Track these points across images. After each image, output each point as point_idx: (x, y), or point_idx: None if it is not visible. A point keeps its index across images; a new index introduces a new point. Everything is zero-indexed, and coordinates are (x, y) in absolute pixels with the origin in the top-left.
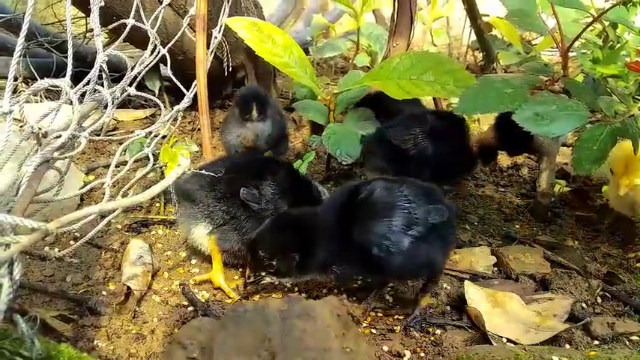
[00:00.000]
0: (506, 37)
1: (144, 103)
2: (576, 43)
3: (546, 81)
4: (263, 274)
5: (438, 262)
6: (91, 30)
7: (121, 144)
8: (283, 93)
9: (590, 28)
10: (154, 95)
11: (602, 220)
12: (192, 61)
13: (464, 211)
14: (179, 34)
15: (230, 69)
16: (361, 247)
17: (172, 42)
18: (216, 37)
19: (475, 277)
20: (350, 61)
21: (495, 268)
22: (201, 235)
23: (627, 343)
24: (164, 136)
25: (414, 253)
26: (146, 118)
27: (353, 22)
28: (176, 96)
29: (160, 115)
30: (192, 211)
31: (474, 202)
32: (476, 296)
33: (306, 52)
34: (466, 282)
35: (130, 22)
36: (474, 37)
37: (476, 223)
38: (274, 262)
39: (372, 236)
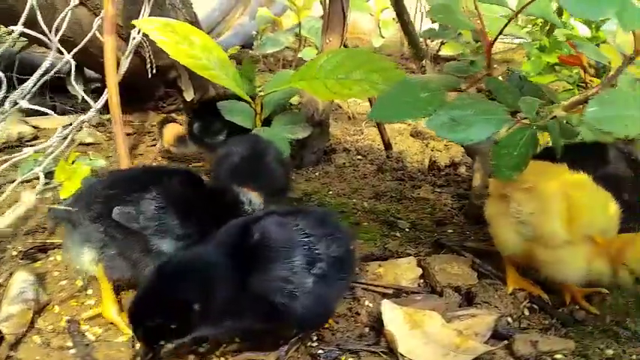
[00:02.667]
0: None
1: (69, 108)
2: (523, 31)
3: (469, 82)
4: (162, 342)
5: (334, 304)
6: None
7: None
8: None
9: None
10: (78, 100)
11: None
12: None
13: (395, 216)
14: (88, 36)
15: (156, 69)
16: (260, 295)
17: (80, 45)
18: (134, 38)
19: (398, 293)
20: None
21: (422, 281)
22: (87, 262)
23: None
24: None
25: (318, 294)
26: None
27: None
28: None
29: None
30: (74, 235)
31: (408, 206)
32: (393, 316)
33: (252, 47)
34: (383, 301)
35: (18, 28)
36: (425, 27)
37: (407, 230)
38: (173, 323)
39: (272, 283)
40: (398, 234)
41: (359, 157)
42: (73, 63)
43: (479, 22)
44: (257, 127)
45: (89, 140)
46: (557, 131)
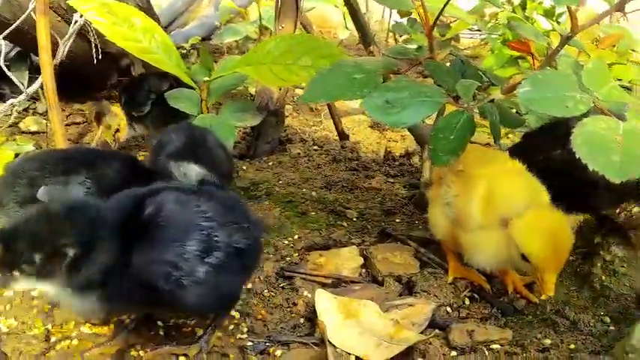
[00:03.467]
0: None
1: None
2: (488, 25)
3: (409, 64)
4: (16, 273)
5: (237, 293)
6: None
7: None
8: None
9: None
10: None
11: None
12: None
13: (343, 206)
14: (22, 18)
15: (107, 56)
16: (142, 277)
17: (12, 27)
18: (76, 21)
19: (338, 283)
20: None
21: (364, 270)
22: None
23: (486, 352)
24: None
25: (212, 284)
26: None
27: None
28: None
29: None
30: None
31: (359, 196)
32: (327, 306)
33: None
34: (317, 291)
35: None
36: (394, 21)
37: (354, 219)
38: (36, 257)
39: (158, 266)
40: (345, 223)
41: (315, 147)
42: (3, 45)
43: (420, 3)
44: (203, 114)
45: (34, 128)
46: (494, 115)
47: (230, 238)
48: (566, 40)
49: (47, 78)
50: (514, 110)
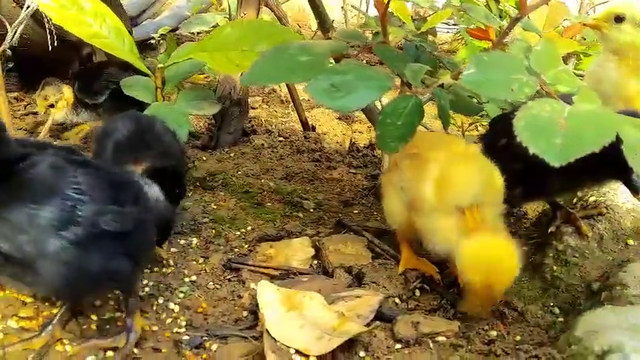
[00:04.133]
0: (396, 13)
1: None
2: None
3: (361, 48)
4: None
5: (124, 273)
6: None
7: None
8: None
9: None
10: None
11: None
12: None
13: (301, 197)
14: None
15: (68, 44)
16: None
17: None
18: (28, 6)
19: (286, 274)
20: None
21: (316, 261)
22: None
23: (431, 345)
24: None
25: (65, 262)
26: None
27: None
28: (22, 76)
29: None
30: None
31: (318, 186)
32: (270, 298)
33: None
34: (260, 282)
35: None
36: (372, 13)
37: (311, 210)
38: None
39: (5, 224)
40: (301, 214)
41: (280, 138)
42: None
43: None
44: (156, 102)
45: None
46: (443, 99)
47: (97, 217)
48: (515, 21)
49: None
50: (474, 99)
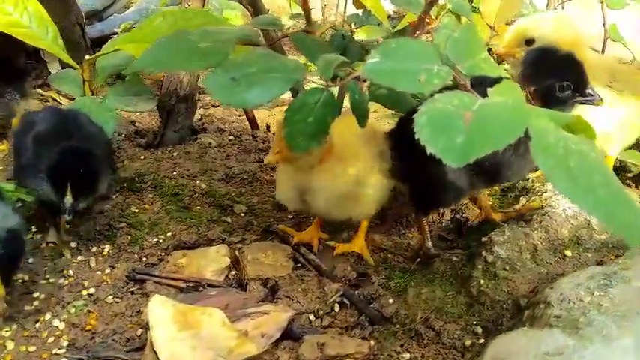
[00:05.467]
0: (374, 12)
1: None
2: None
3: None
4: None
5: None
6: None
7: None
8: None
9: None
10: None
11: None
12: None
13: (234, 200)
14: None
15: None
16: None
17: None
18: None
19: (195, 287)
20: None
21: (233, 272)
22: None
23: None
24: None
25: None
26: None
27: None
28: None
29: None
30: None
31: (256, 189)
32: (161, 315)
33: None
34: (153, 297)
35: None
36: (351, 11)
37: (242, 215)
38: None
39: None
40: (229, 219)
41: (230, 137)
42: None
43: None
44: (82, 97)
45: None
46: (358, 94)
47: None
48: (429, 5)
49: None
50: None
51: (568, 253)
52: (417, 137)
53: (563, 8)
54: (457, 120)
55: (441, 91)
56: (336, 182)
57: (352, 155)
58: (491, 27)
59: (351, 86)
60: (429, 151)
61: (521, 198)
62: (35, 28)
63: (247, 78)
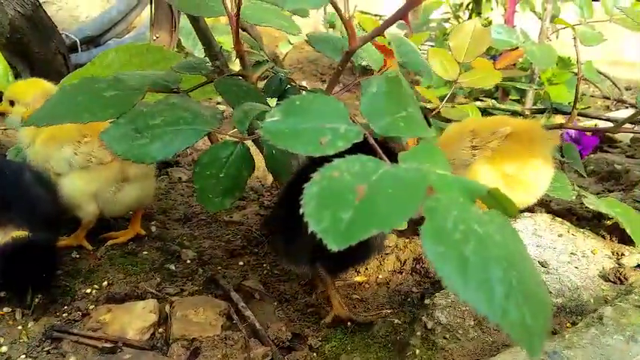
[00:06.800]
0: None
1: None
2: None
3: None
4: None
5: None
6: None
7: None
8: None
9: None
10: None
11: None
12: None
13: (183, 245)
14: None
15: None
16: None
17: None
18: None
19: (113, 348)
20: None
21: (161, 330)
22: None
23: None
24: None
25: None
26: None
27: None
28: None
29: None
30: None
31: (212, 231)
32: None
33: None
34: None
35: None
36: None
37: (188, 262)
38: None
39: None
40: (173, 267)
41: None
42: None
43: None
44: None
45: None
46: (272, 148)
47: None
48: (346, 57)
49: None
50: None
51: None
52: (301, 211)
53: (557, 37)
54: (348, 194)
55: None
56: None
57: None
58: (459, 63)
59: (264, 140)
60: (310, 229)
61: None
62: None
63: (151, 130)
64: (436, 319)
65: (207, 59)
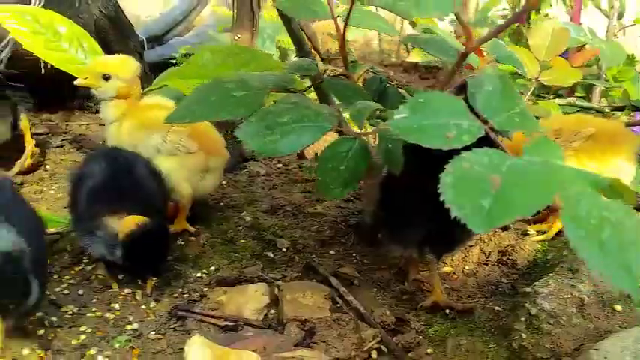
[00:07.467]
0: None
1: None
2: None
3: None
4: None
5: None
6: None
7: None
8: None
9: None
10: None
11: None
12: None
13: (276, 234)
14: None
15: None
16: None
17: None
18: None
19: (234, 326)
20: None
21: (272, 311)
22: None
23: None
24: None
25: None
26: None
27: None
28: (36, 95)
29: None
30: None
31: (300, 222)
32: (200, 357)
33: None
34: (192, 338)
35: None
36: (408, 31)
37: (284, 250)
38: None
39: None
40: (271, 254)
41: (279, 166)
42: None
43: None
44: None
45: None
46: (390, 142)
47: None
48: (462, 58)
49: None
50: None
51: (618, 307)
52: (441, 198)
53: (624, 34)
54: (484, 183)
55: (469, 147)
56: None
57: None
58: (540, 61)
59: (381, 135)
60: (453, 214)
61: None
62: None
63: (280, 127)
64: (539, 306)
65: (314, 61)
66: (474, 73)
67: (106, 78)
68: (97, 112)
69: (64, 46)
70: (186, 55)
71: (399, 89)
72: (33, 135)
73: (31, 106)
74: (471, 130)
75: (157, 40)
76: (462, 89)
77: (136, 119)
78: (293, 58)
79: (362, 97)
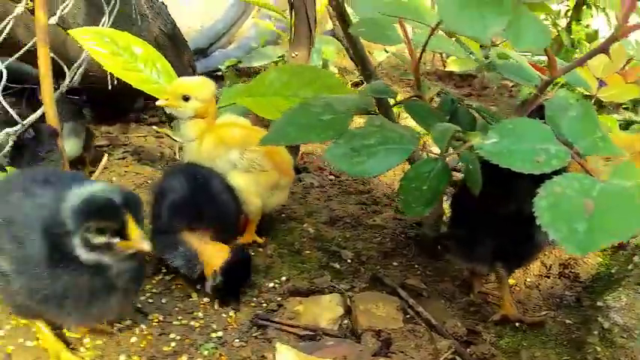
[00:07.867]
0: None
1: None
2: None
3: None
4: None
5: None
6: None
7: None
8: None
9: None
10: None
11: None
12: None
13: (340, 245)
14: (26, 47)
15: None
16: None
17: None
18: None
19: (313, 336)
20: None
21: (346, 322)
22: None
23: None
24: None
25: None
26: None
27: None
28: (95, 108)
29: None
30: None
31: (360, 234)
32: None
33: None
34: (278, 346)
35: None
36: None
37: (349, 261)
38: None
39: None
40: (337, 265)
41: (331, 177)
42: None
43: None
44: None
45: None
46: (472, 163)
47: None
48: (545, 84)
49: (48, 107)
50: None
51: None
52: (537, 221)
53: None
54: (578, 207)
55: (558, 172)
56: None
57: None
58: (599, 79)
59: (464, 156)
60: (550, 237)
61: (634, 257)
62: (163, 82)
63: (367, 149)
64: (612, 320)
65: (386, 85)
66: (549, 97)
67: (186, 99)
68: (152, 124)
69: (140, 66)
70: (229, 67)
71: (469, 109)
72: (96, 147)
73: (90, 119)
74: (559, 155)
75: (201, 52)
76: (538, 111)
77: (216, 137)
78: (331, 68)
79: (437, 118)
